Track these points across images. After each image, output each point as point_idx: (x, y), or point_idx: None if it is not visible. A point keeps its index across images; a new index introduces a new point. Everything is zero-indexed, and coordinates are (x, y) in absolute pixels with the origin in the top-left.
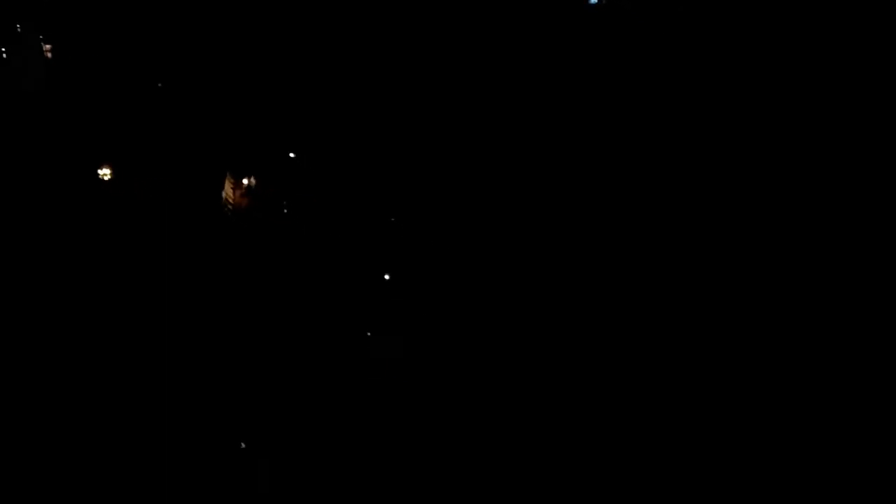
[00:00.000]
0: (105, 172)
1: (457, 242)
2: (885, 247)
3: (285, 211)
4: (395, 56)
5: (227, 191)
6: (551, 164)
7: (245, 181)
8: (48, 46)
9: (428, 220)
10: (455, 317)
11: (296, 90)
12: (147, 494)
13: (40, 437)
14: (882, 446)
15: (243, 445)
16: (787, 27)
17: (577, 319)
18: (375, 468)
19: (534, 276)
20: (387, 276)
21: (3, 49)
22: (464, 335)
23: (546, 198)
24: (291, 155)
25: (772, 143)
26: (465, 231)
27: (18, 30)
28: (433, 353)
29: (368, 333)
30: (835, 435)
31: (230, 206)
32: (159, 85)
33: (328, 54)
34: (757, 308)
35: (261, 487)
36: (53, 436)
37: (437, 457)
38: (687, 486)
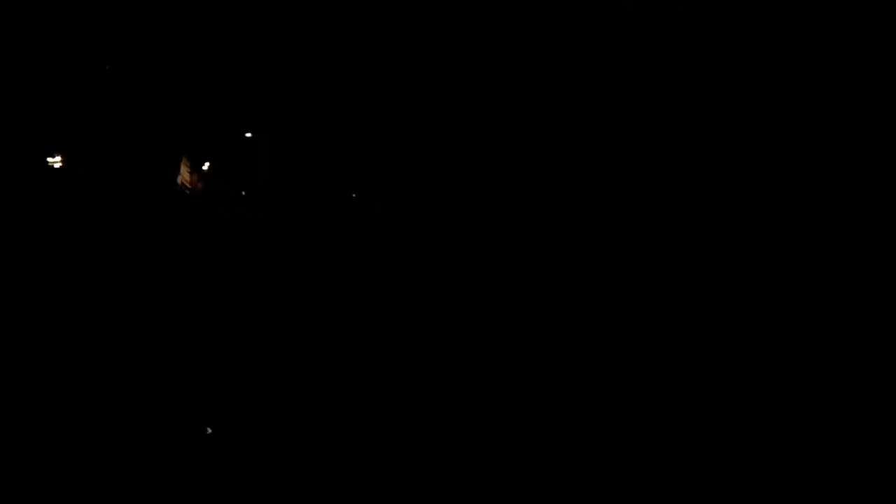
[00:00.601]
0: (56, 160)
1: (446, 235)
2: (886, 247)
3: (243, 193)
4: (360, 29)
5: (184, 175)
6: (550, 164)
7: (202, 165)
8: None
9: (405, 209)
10: (450, 314)
11: (254, 69)
12: (145, 494)
13: (26, 435)
14: (882, 446)
15: (212, 427)
16: (789, 27)
17: (577, 320)
18: (374, 467)
19: (534, 277)
20: (357, 264)
21: None
22: (460, 332)
23: (545, 197)
24: (248, 135)
25: (773, 143)
26: (455, 223)
27: None
28: (428, 352)
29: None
30: (835, 435)
31: (188, 191)
32: (107, 67)
33: (286, 28)
34: (758, 308)
35: (260, 487)
36: (34, 436)
37: (437, 455)
38: (687, 487)
